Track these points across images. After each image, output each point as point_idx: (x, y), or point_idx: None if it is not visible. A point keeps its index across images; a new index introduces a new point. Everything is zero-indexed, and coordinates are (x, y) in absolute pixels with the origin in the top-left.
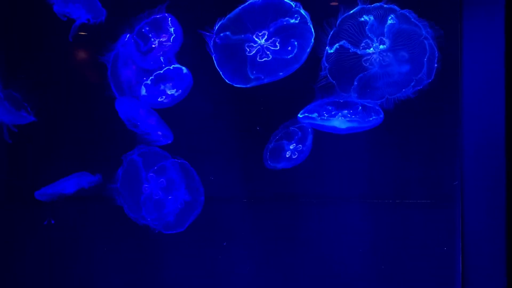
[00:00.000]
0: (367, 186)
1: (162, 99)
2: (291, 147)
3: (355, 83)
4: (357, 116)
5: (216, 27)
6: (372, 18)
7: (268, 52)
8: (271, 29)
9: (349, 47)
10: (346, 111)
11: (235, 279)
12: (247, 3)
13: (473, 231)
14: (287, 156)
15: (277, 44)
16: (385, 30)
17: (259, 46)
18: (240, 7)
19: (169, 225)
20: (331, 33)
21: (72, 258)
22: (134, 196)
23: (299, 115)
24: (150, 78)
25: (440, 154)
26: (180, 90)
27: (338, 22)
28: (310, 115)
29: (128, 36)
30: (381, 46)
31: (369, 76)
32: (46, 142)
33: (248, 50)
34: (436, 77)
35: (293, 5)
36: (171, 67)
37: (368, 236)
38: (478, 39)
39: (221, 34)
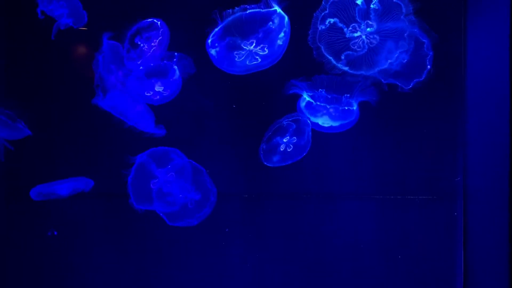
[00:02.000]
0: (367, 182)
1: (149, 94)
2: (284, 140)
3: (342, 57)
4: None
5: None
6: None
7: (257, 57)
8: (259, 35)
9: (341, 26)
10: (332, 109)
11: (235, 276)
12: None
13: (475, 227)
14: (281, 149)
15: (265, 49)
16: (372, 14)
17: (248, 52)
18: (229, 19)
19: (177, 221)
20: (321, 15)
21: (78, 257)
22: (143, 192)
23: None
24: (145, 70)
25: (442, 149)
26: (168, 91)
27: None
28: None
29: (107, 41)
30: (368, 29)
31: (358, 54)
32: (43, 145)
33: (237, 57)
34: (437, 68)
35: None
36: (170, 61)
37: (368, 233)
38: (482, 28)
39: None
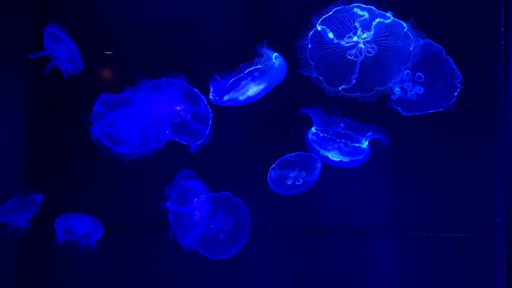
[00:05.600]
0: (397, 218)
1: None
2: (291, 175)
3: (353, 78)
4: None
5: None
6: (366, 14)
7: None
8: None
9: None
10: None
11: None
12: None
13: None
14: (288, 183)
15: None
16: (373, 25)
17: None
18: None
19: (211, 253)
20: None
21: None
22: (180, 223)
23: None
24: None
25: (479, 181)
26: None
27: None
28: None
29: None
30: (364, 35)
31: (359, 69)
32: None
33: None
34: (471, 89)
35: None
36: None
37: (399, 272)
38: None
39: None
